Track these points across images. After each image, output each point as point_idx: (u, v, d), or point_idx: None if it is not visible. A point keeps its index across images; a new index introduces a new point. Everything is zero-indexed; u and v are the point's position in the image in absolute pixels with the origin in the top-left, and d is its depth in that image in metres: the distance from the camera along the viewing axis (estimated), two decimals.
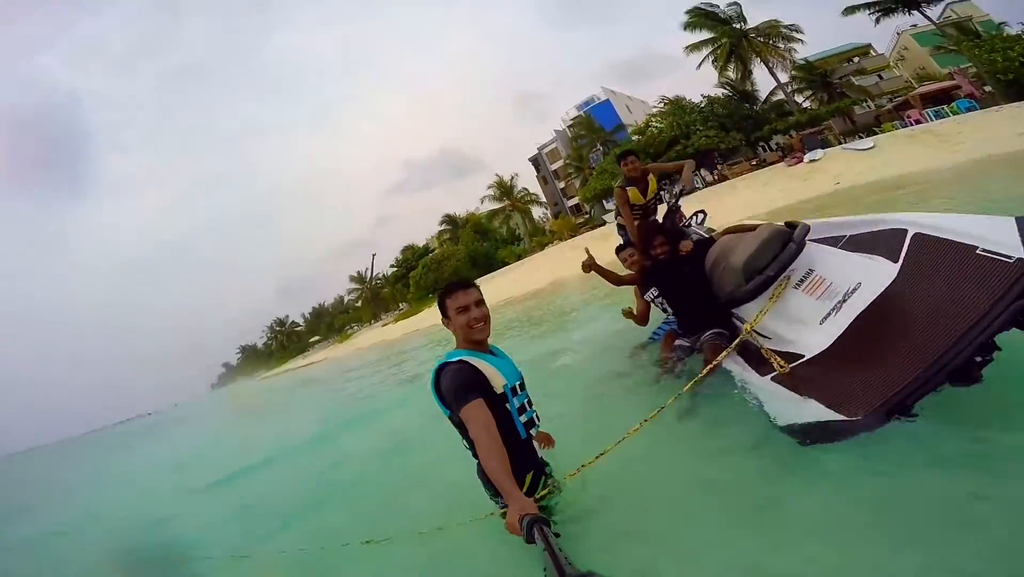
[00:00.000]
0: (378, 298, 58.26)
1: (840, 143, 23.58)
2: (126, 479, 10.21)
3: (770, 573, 1.69)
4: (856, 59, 34.57)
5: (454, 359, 1.88)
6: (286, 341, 75.54)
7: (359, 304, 61.71)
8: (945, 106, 20.96)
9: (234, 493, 5.38)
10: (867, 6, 28.13)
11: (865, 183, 14.06)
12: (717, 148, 30.58)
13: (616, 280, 3.60)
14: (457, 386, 1.78)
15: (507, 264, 40.30)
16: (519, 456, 1.90)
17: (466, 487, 2.18)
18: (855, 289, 2.45)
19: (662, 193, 4.97)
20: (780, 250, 2.81)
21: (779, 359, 2.48)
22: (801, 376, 2.35)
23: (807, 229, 2.83)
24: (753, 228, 3.37)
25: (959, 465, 1.80)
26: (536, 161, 51.50)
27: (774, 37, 30.67)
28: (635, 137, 35.89)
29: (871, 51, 36.53)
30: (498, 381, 1.90)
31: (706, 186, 28.75)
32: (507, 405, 1.93)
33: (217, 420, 19.19)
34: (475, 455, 1.87)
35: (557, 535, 1.12)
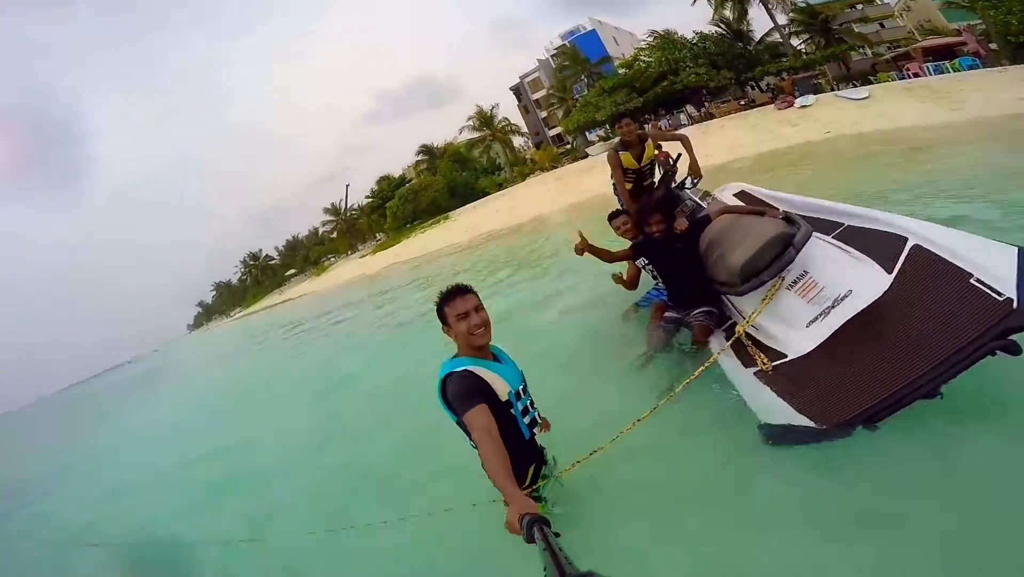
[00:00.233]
0: (354, 229, 57.04)
1: (833, 89, 23.16)
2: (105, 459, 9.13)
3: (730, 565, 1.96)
4: (860, 6, 33.10)
5: (459, 368, 1.92)
6: (261, 276, 73.78)
7: (335, 236, 60.32)
8: (947, 62, 20.48)
9: (229, 473, 5.26)
10: None
11: (856, 133, 13.98)
12: (706, 86, 29.80)
13: (610, 257, 3.62)
14: (461, 393, 1.83)
15: (488, 194, 39.75)
16: (522, 454, 2.01)
17: (472, 470, 2.18)
18: (845, 296, 2.49)
19: (658, 157, 4.89)
20: (780, 253, 2.80)
21: (763, 356, 2.59)
22: (781, 375, 2.45)
23: (809, 234, 2.81)
24: (753, 211, 3.34)
25: (914, 471, 2.00)
26: (518, 90, 49.99)
27: None
28: (622, 70, 34.77)
29: None
30: (502, 389, 1.95)
31: (692, 123, 28.34)
32: (511, 411, 1.99)
33: (199, 379, 18.61)
34: None
35: (557, 534, 1.10)
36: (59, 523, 6.01)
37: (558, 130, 44.64)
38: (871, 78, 23.42)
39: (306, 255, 64.89)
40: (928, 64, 20.92)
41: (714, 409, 2.80)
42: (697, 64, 29.74)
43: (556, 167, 36.50)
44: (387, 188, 49.40)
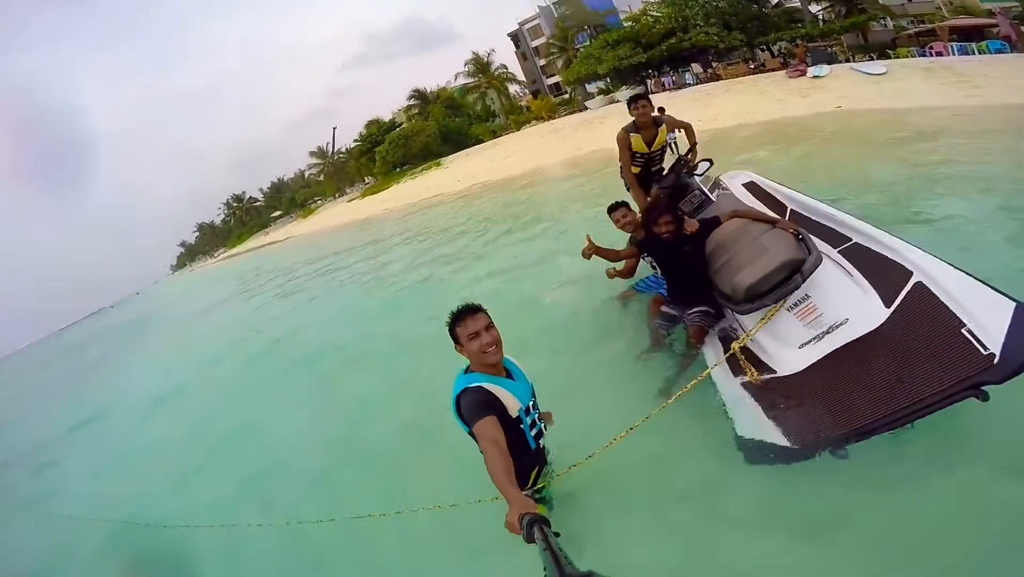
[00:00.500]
0: (342, 172, 55.97)
1: (849, 60, 22.43)
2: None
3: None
4: None
5: (473, 384, 2.01)
6: (245, 217, 72.17)
7: (321, 178, 59.13)
8: (974, 43, 19.62)
9: (236, 457, 5.04)
10: None
11: (867, 110, 13.53)
12: (715, 46, 28.75)
13: (615, 257, 3.76)
14: (473, 406, 1.94)
15: (481, 142, 38.99)
16: (527, 461, 2.16)
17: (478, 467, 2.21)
18: (841, 324, 2.59)
19: (670, 144, 4.80)
20: (787, 277, 2.82)
21: (753, 370, 2.72)
22: (767, 390, 2.59)
23: (818, 263, 2.80)
24: (764, 219, 3.28)
25: (881, 486, 2.24)
26: (516, 37, 47.99)
27: None
28: (628, 24, 33.53)
29: None
30: (513, 406, 2.04)
31: (698, 83, 27.51)
32: (520, 426, 2.11)
33: (184, 328, 17.69)
34: None
35: (557, 534, 1.11)
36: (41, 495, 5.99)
37: (557, 79, 43.30)
38: (889, 52, 22.61)
39: (292, 197, 63.48)
40: (953, 43, 20.11)
41: (702, 411, 2.90)
42: (708, 23, 28.54)
43: (554, 118, 35.68)
44: (376, 132, 48.20)
